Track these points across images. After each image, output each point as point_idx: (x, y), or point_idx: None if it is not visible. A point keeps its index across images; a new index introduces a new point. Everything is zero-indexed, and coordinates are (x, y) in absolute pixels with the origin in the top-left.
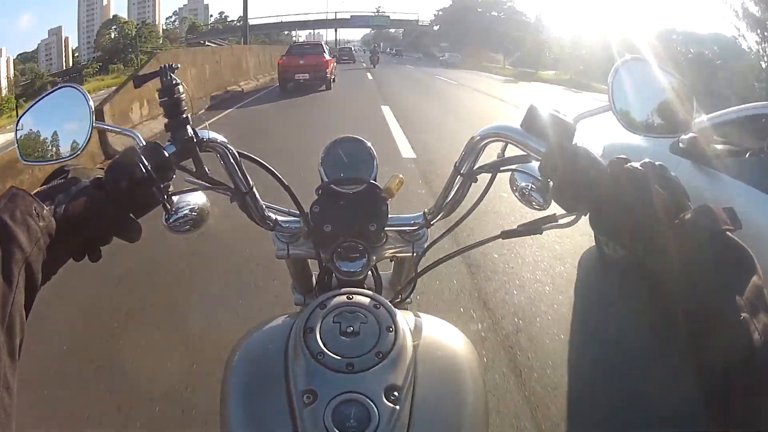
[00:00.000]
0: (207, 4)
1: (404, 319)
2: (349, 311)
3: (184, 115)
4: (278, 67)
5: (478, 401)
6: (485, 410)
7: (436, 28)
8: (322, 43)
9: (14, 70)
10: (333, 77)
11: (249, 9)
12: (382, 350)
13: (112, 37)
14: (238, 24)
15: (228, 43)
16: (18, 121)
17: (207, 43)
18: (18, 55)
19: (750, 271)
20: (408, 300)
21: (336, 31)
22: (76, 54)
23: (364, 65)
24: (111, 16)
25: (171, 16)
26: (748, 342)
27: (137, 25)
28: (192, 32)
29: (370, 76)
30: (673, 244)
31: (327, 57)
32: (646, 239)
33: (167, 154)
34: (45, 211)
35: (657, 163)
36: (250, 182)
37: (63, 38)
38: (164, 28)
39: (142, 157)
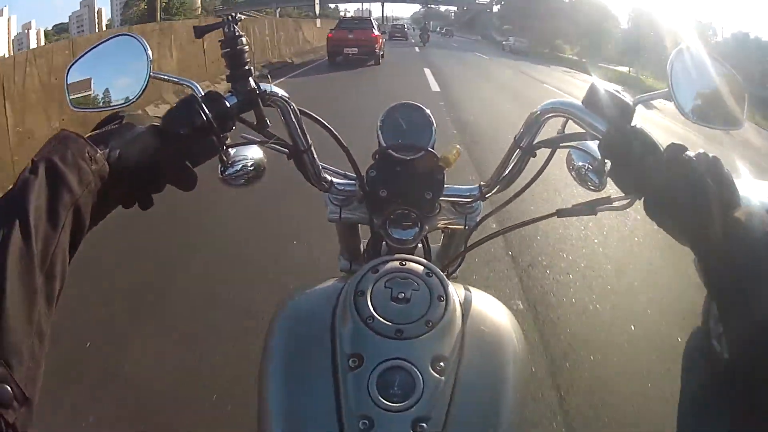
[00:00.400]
0: None
1: (455, 290)
2: (401, 277)
3: (247, 67)
4: (327, 40)
5: (520, 379)
6: (526, 389)
7: (496, 8)
8: (371, 18)
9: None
10: (381, 53)
11: None
12: (432, 319)
13: (142, 7)
14: None
15: (264, 14)
16: (70, 67)
17: (239, 15)
18: (53, 27)
19: None
20: (455, 273)
21: (383, 5)
22: (109, 26)
23: (413, 41)
24: None
25: None
26: None
27: None
28: (226, 3)
29: (420, 57)
30: (721, 242)
31: (376, 32)
32: (695, 232)
33: (228, 105)
34: (98, 155)
35: (711, 155)
36: (309, 141)
37: (96, 9)
38: None
39: (203, 104)
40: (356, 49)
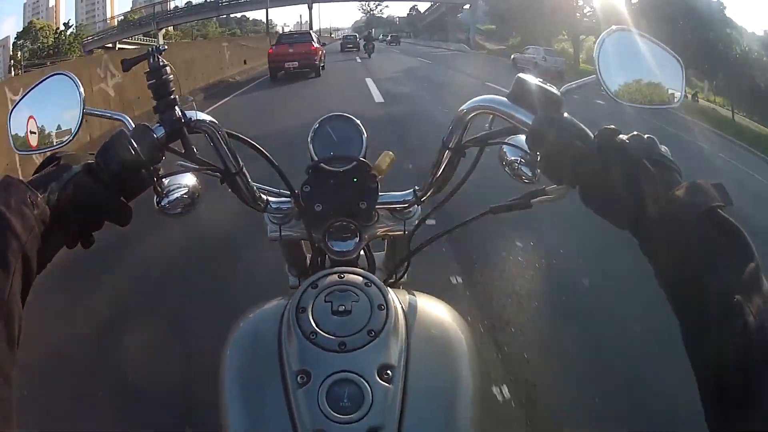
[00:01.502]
0: None
1: (396, 297)
2: (340, 290)
3: (172, 96)
4: (268, 56)
5: (473, 378)
6: (480, 387)
7: (467, 7)
8: (311, 32)
9: None
10: (322, 65)
11: None
12: (374, 328)
13: (31, 47)
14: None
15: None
16: (11, 111)
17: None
18: None
19: (744, 251)
20: (402, 279)
21: (310, 8)
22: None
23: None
24: (61, 23)
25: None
26: (743, 324)
27: (58, 29)
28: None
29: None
30: (663, 221)
31: (315, 45)
32: (634, 216)
33: (156, 136)
34: (39, 199)
35: (646, 136)
36: (240, 163)
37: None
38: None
39: (132, 140)
40: (296, 62)
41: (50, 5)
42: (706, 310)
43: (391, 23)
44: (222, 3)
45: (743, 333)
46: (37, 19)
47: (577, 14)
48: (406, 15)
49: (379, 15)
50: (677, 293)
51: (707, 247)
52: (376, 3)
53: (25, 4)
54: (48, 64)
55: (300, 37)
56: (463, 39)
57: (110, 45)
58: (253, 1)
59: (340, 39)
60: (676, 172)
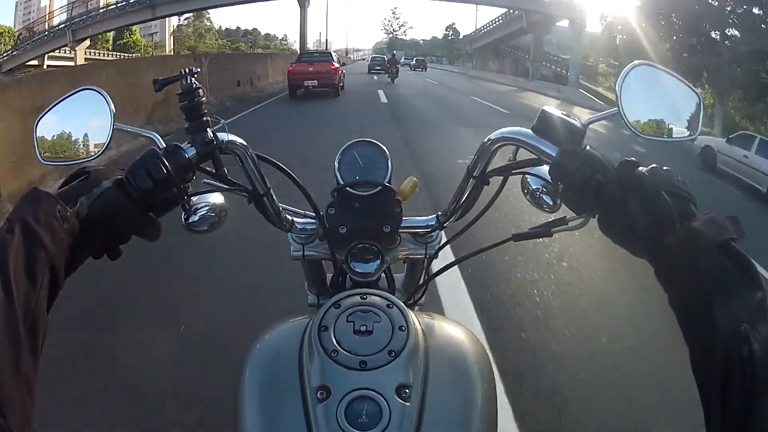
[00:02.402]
0: None
1: (416, 319)
2: (362, 310)
3: (204, 118)
4: (288, 73)
5: (488, 402)
6: (495, 410)
7: (563, 24)
8: (331, 51)
9: None
10: (341, 84)
11: None
12: (394, 349)
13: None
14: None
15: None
16: (38, 121)
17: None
18: None
19: (753, 282)
20: (421, 301)
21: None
22: None
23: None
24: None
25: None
26: (748, 352)
27: None
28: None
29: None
30: (679, 250)
31: (335, 65)
32: (652, 245)
33: (187, 156)
34: (69, 213)
35: (665, 168)
36: (268, 184)
37: None
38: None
39: (163, 158)
40: (316, 81)
41: (42, 5)
42: (715, 336)
43: (414, 46)
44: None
45: (748, 360)
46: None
47: None
48: (430, 38)
49: (402, 36)
50: (688, 319)
51: (719, 276)
52: (400, 24)
53: (17, 3)
54: None
55: (320, 56)
56: (549, 75)
57: (35, 62)
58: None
59: (360, 59)
60: (691, 202)
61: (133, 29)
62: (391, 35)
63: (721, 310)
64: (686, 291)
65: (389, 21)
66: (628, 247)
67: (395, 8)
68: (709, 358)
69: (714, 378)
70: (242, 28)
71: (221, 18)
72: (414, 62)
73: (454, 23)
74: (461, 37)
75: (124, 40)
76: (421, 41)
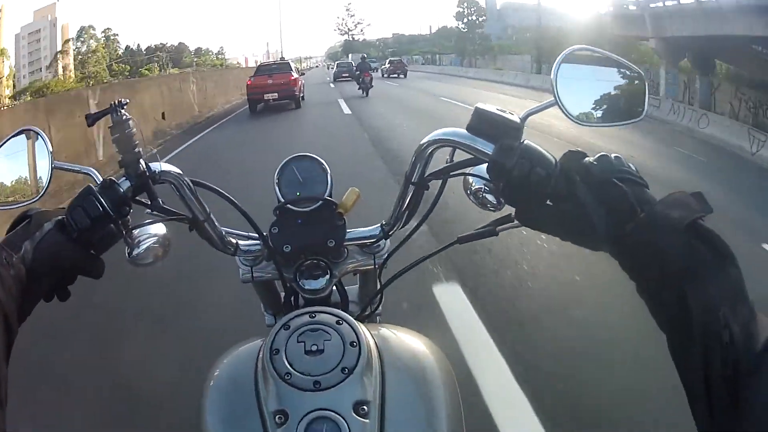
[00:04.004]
0: None
1: (368, 332)
2: (312, 329)
3: (136, 149)
4: (247, 88)
5: (451, 409)
6: (459, 418)
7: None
8: (289, 61)
9: None
10: (302, 95)
11: None
12: (347, 366)
13: None
14: None
15: None
16: None
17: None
18: None
19: (727, 261)
20: (378, 311)
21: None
22: None
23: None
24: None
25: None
26: (729, 336)
27: None
28: None
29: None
30: (643, 236)
31: (294, 75)
32: (612, 235)
33: (122, 190)
34: (14, 259)
35: (614, 155)
36: (207, 209)
37: None
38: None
39: (99, 195)
40: (276, 93)
41: None
42: (692, 322)
43: (371, 47)
44: None
45: (730, 345)
46: None
47: None
48: (391, 36)
49: (359, 36)
50: (661, 308)
51: (690, 259)
52: (356, 22)
53: None
54: None
55: (279, 67)
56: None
57: None
58: None
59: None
60: (645, 188)
61: None
62: (345, 35)
63: (696, 295)
64: (656, 279)
65: (343, 20)
66: (584, 241)
67: (349, 4)
68: (688, 347)
69: (695, 367)
70: (167, 44)
71: (131, 37)
72: (388, 65)
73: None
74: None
75: None
76: (379, 42)
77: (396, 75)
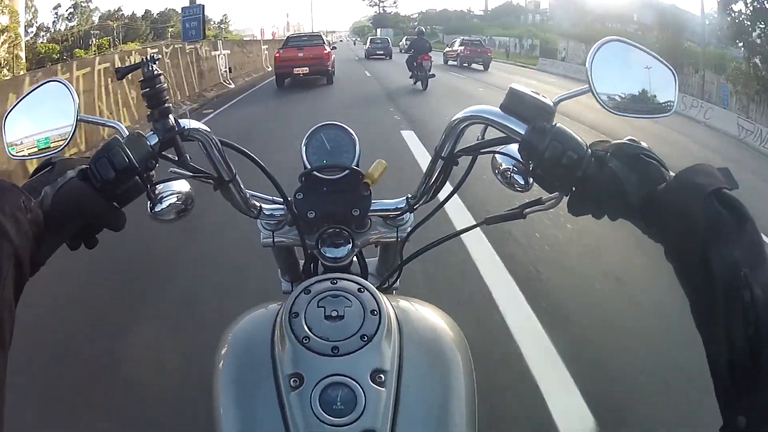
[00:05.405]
0: None
1: (389, 303)
2: (333, 296)
3: (166, 105)
4: (275, 60)
5: (465, 383)
6: (473, 391)
7: None
8: (321, 34)
9: None
10: (333, 70)
11: None
12: (366, 333)
13: None
14: None
15: None
16: (5, 117)
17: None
18: None
19: (749, 227)
20: (396, 285)
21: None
22: None
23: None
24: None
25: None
26: (750, 297)
27: None
28: None
29: None
30: (671, 199)
31: (327, 48)
32: (643, 197)
33: (150, 144)
34: (33, 204)
35: (627, 138)
36: (233, 170)
37: None
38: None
39: (125, 147)
40: (307, 68)
41: None
42: (715, 283)
43: (408, 22)
44: None
45: (751, 306)
46: None
47: None
48: (418, 13)
49: (391, 10)
50: (686, 269)
51: (715, 222)
52: None
53: None
54: None
55: (310, 39)
56: None
57: None
58: None
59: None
60: (662, 168)
61: None
62: (375, 7)
63: (719, 256)
64: (682, 240)
65: None
66: (605, 210)
67: None
68: (711, 309)
69: (718, 329)
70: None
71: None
72: (459, 46)
73: None
74: None
75: None
76: (414, 17)
77: (467, 64)
